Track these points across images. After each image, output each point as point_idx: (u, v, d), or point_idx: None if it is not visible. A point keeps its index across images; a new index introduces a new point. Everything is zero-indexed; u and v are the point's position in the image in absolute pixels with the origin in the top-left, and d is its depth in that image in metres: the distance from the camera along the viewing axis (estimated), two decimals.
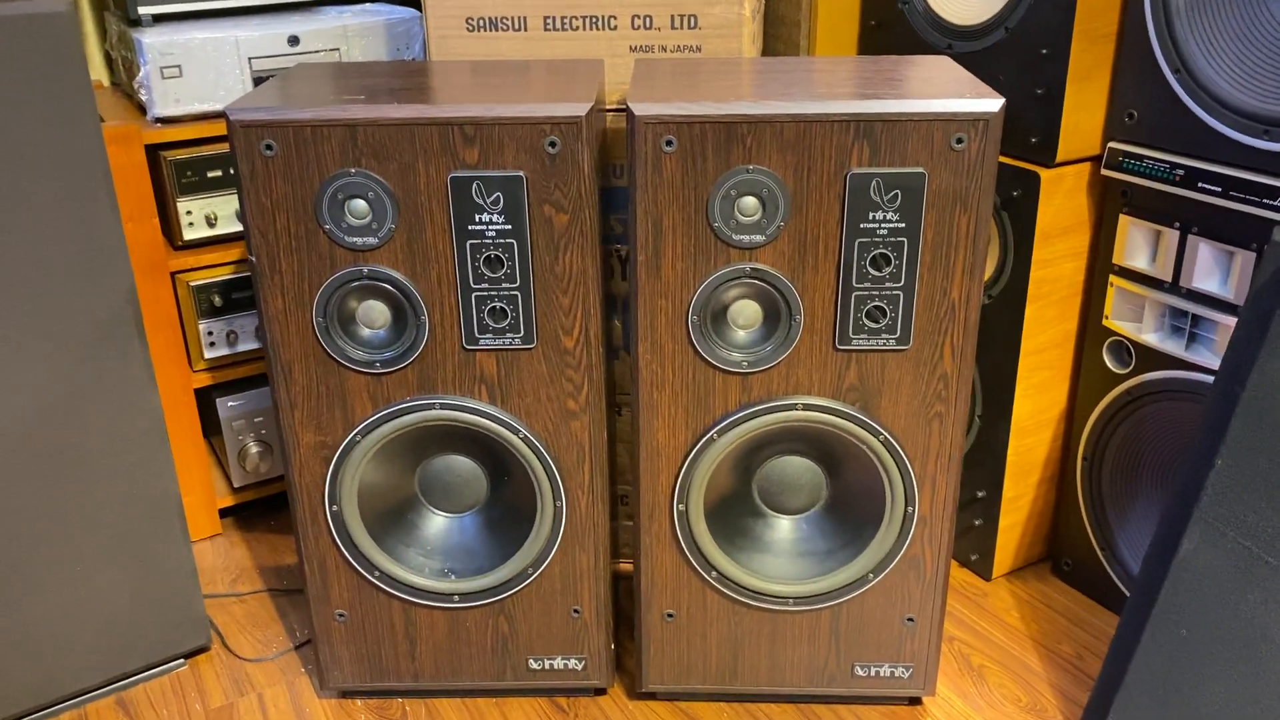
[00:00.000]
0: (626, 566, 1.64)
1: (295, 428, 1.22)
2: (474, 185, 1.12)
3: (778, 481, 1.29)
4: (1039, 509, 1.63)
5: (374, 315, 1.17)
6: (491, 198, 1.12)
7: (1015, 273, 1.44)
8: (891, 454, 1.21)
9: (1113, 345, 1.47)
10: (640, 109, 1.09)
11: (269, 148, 1.10)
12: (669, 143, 1.09)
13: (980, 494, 1.59)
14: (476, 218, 1.13)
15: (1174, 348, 1.38)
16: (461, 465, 1.29)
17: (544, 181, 1.12)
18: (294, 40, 1.57)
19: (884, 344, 1.17)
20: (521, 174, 1.11)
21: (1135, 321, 1.44)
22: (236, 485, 1.76)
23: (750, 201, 1.11)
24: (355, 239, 1.13)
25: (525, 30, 1.39)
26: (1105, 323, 1.46)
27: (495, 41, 1.39)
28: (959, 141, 1.08)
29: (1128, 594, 1.53)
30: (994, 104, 1.08)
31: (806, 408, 1.20)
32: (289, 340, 1.17)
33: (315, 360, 1.18)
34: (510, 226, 1.13)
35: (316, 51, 1.59)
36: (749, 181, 1.11)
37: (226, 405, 1.70)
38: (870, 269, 1.14)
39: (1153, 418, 1.44)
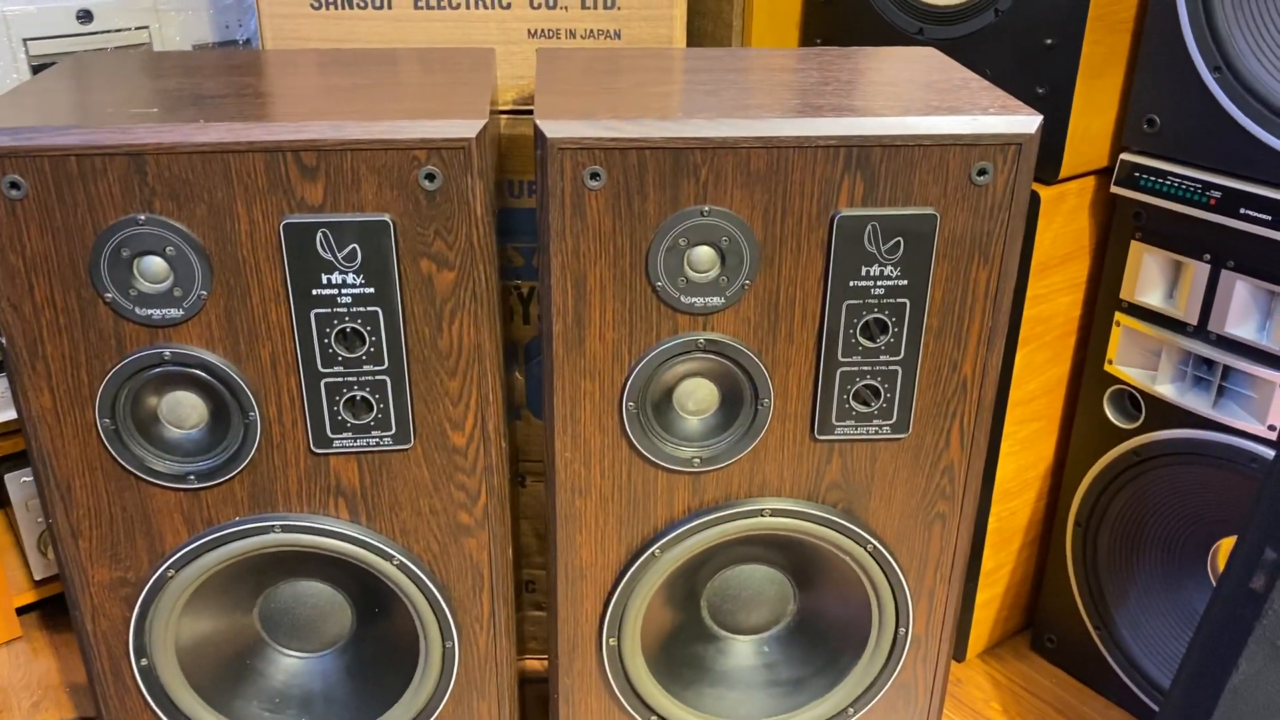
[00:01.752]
0: (535, 664, 1.34)
1: (81, 562, 0.88)
2: (318, 235, 0.79)
3: (734, 596, 1.00)
4: (1019, 578, 1.39)
5: (183, 413, 0.84)
6: (344, 251, 0.80)
7: None
8: (881, 565, 0.94)
9: (1116, 395, 1.23)
10: (553, 129, 0.78)
11: (14, 186, 0.76)
12: (594, 176, 0.79)
13: None
14: (324, 278, 0.81)
15: (1196, 403, 1.14)
16: (317, 594, 0.97)
17: (419, 228, 0.81)
18: (85, 16, 1.20)
19: (876, 432, 0.89)
20: (387, 218, 0.80)
21: (1146, 369, 1.19)
22: (38, 578, 1.40)
23: (705, 253, 0.82)
24: (151, 311, 0.80)
25: (390, 8, 1.06)
26: (1108, 368, 1.21)
27: (351, 23, 1.06)
28: (982, 174, 0.81)
29: (1127, 681, 1.30)
30: (1029, 122, 0.81)
31: (776, 513, 0.92)
32: (65, 450, 0.84)
33: (105, 474, 0.85)
34: (373, 290, 0.81)
35: (117, 31, 1.22)
36: (704, 228, 0.81)
37: (19, 481, 1.34)
38: (861, 338, 0.86)
39: (1164, 483, 1.20)
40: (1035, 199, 1.13)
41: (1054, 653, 1.39)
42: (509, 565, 0.94)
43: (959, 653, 1.39)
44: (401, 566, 0.91)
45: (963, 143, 0.80)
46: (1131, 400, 1.22)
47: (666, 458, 0.89)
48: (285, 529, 0.89)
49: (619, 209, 0.80)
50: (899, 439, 0.90)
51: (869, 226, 0.82)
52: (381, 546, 0.91)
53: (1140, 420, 1.21)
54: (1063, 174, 1.12)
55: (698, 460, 0.89)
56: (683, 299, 0.83)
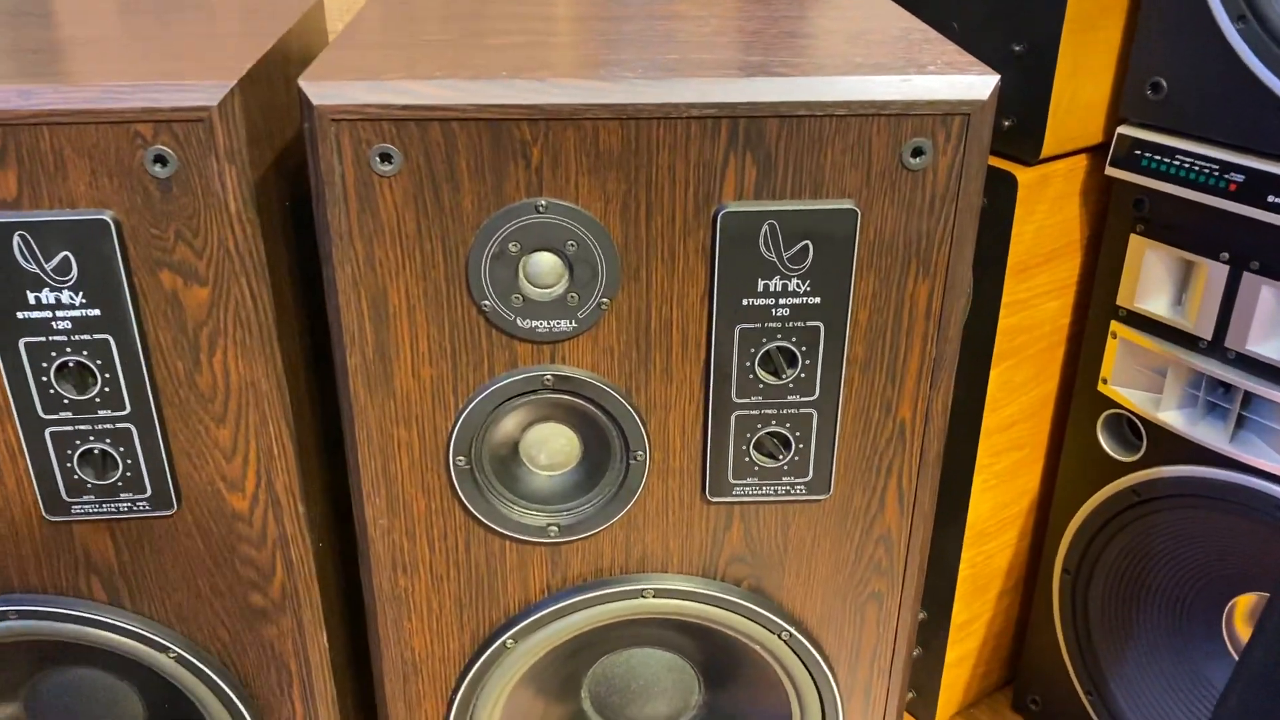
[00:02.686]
0: None
1: None
2: (15, 239, 0.59)
3: (623, 687, 0.80)
4: (998, 628, 1.18)
5: None
6: (54, 261, 0.59)
7: (976, 320, 0.96)
8: (801, 656, 0.74)
9: (1112, 421, 1.01)
10: (321, 93, 0.56)
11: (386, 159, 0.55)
12: (385, 158, 0.58)
13: (921, 615, 1.13)
14: (30, 296, 0.60)
15: (1209, 435, 0.92)
16: (94, 682, 0.77)
17: (153, 229, 0.60)
18: None
19: (787, 492, 0.68)
20: (106, 216, 0.59)
21: (1149, 391, 0.98)
22: None
23: (546, 262, 0.61)
24: None
25: None
26: (1102, 388, 1.00)
27: None
28: (917, 154, 0.59)
29: None
30: (981, 84, 0.59)
31: (662, 594, 0.71)
32: None
33: None
34: (98, 311, 0.61)
35: None
36: (541, 228, 0.60)
37: None
38: (762, 373, 0.65)
39: (1170, 528, 0.99)
40: (1012, 184, 0.91)
41: (1038, 716, 1.18)
42: (324, 656, 0.74)
43: (927, 716, 1.19)
44: (181, 660, 0.71)
45: (890, 112, 0.58)
46: (1131, 428, 1.00)
47: (514, 526, 0.68)
48: (22, 615, 0.69)
49: (424, 203, 0.59)
50: (818, 500, 0.69)
51: (765, 226, 0.60)
52: (151, 635, 0.70)
53: (1141, 452, 0.99)
54: (1046, 152, 0.91)
55: (555, 529, 0.68)
56: (520, 322, 0.62)
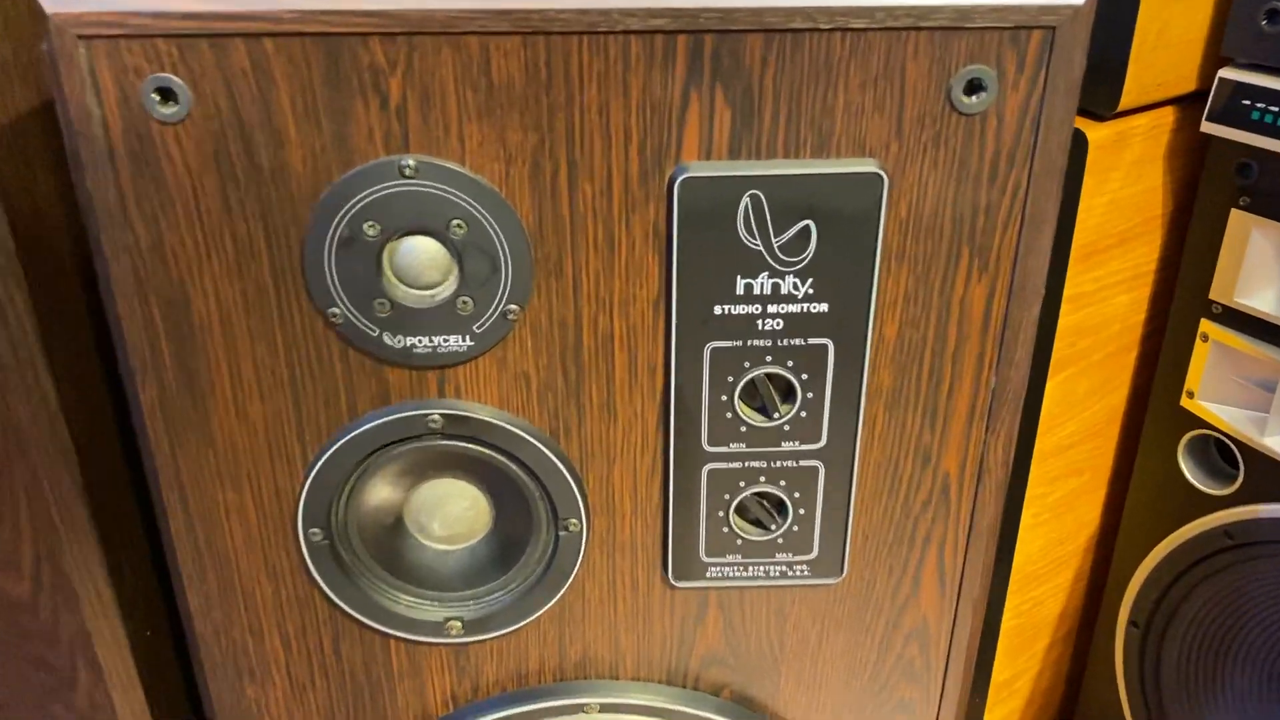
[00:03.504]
0: None
1: None
2: None
3: None
4: (1046, 684, 0.98)
5: None
6: None
7: None
8: None
9: (1198, 444, 0.81)
10: (60, 2, 0.37)
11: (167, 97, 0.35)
12: (167, 96, 0.38)
13: None
14: None
15: None
16: None
17: None
18: None
19: (784, 573, 0.49)
20: None
21: (1248, 408, 0.77)
22: None
23: (423, 253, 0.41)
24: None
25: None
26: (1187, 403, 0.79)
27: None
28: (974, 90, 0.39)
29: None
30: None
31: (610, 709, 0.51)
32: None
33: None
34: None
35: None
36: (411, 199, 0.40)
37: None
38: (745, 410, 0.45)
39: (1272, 578, 0.79)
40: (1081, 144, 0.70)
41: None
42: None
43: None
44: None
45: (934, 23, 0.38)
46: (1223, 454, 0.80)
47: (400, 621, 0.49)
48: None
49: (229, 162, 0.39)
50: (827, 584, 0.49)
51: (746, 199, 0.40)
52: None
53: (1237, 484, 0.79)
54: (1125, 103, 0.70)
55: (457, 624, 0.49)
56: (389, 339, 0.42)
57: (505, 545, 0.48)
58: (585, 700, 0.51)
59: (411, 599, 0.49)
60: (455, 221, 0.40)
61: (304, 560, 0.47)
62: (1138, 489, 0.87)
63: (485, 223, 0.40)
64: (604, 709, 0.51)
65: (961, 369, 0.44)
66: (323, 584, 0.48)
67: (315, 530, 0.46)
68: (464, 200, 0.40)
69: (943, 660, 0.52)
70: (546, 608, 0.49)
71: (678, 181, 0.40)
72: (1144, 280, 0.82)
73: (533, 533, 0.47)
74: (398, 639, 0.50)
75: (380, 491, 0.47)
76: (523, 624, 0.49)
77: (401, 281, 0.42)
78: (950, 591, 0.50)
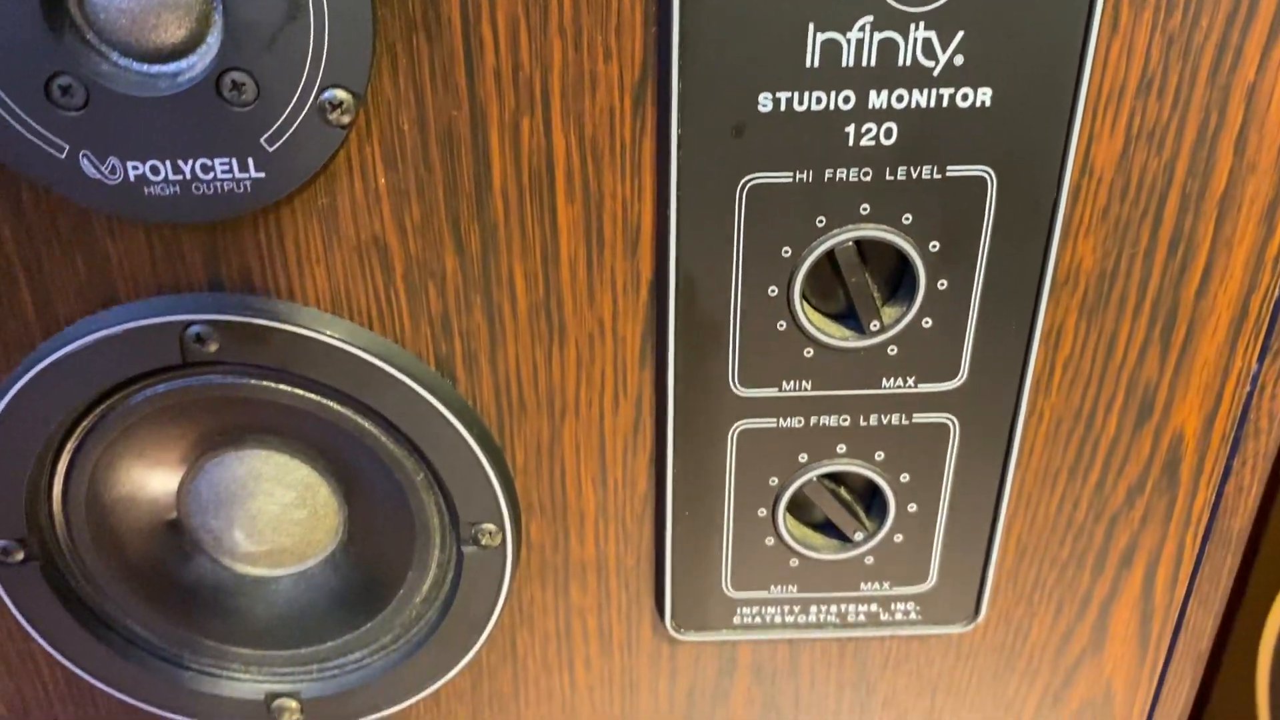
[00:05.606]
0: None
1: None
2: None
3: None
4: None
5: None
6: None
7: None
8: None
9: None
10: None
11: None
12: None
13: None
14: None
15: None
16: None
17: None
18: None
19: (874, 615, 0.27)
20: None
21: None
22: None
23: None
24: None
25: None
26: None
27: None
28: None
29: None
30: None
31: None
32: None
33: None
34: None
35: None
36: None
37: None
38: (810, 315, 0.23)
39: None
40: None
41: None
42: None
43: None
44: None
45: None
46: None
47: (194, 701, 0.27)
48: None
49: None
50: (947, 634, 0.28)
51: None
52: None
53: None
54: None
55: (291, 709, 0.27)
56: (92, 165, 0.21)
57: (367, 570, 0.27)
58: None
59: (209, 660, 0.27)
60: None
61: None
62: None
63: None
64: None
65: (1227, 234, 0.23)
66: (37, 636, 0.26)
67: (6, 543, 0.25)
68: None
69: None
70: (447, 678, 0.27)
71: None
72: None
73: (415, 549, 0.26)
74: None
75: (128, 473, 0.25)
76: (407, 705, 0.28)
77: (105, 40, 0.20)
78: (1158, 641, 0.29)
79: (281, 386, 0.24)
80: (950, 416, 0.25)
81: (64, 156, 0.21)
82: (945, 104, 0.21)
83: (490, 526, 0.26)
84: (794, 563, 0.27)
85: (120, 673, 0.27)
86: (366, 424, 0.24)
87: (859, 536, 0.26)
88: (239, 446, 0.25)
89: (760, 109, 0.21)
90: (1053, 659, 0.29)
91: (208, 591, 0.27)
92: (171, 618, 0.27)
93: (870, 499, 0.26)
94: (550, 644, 0.28)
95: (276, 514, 0.26)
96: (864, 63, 0.20)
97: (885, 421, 0.25)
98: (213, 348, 0.23)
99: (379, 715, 0.28)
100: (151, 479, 0.26)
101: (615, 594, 0.27)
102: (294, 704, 0.28)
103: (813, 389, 0.24)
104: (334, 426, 0.24)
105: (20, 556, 0.25)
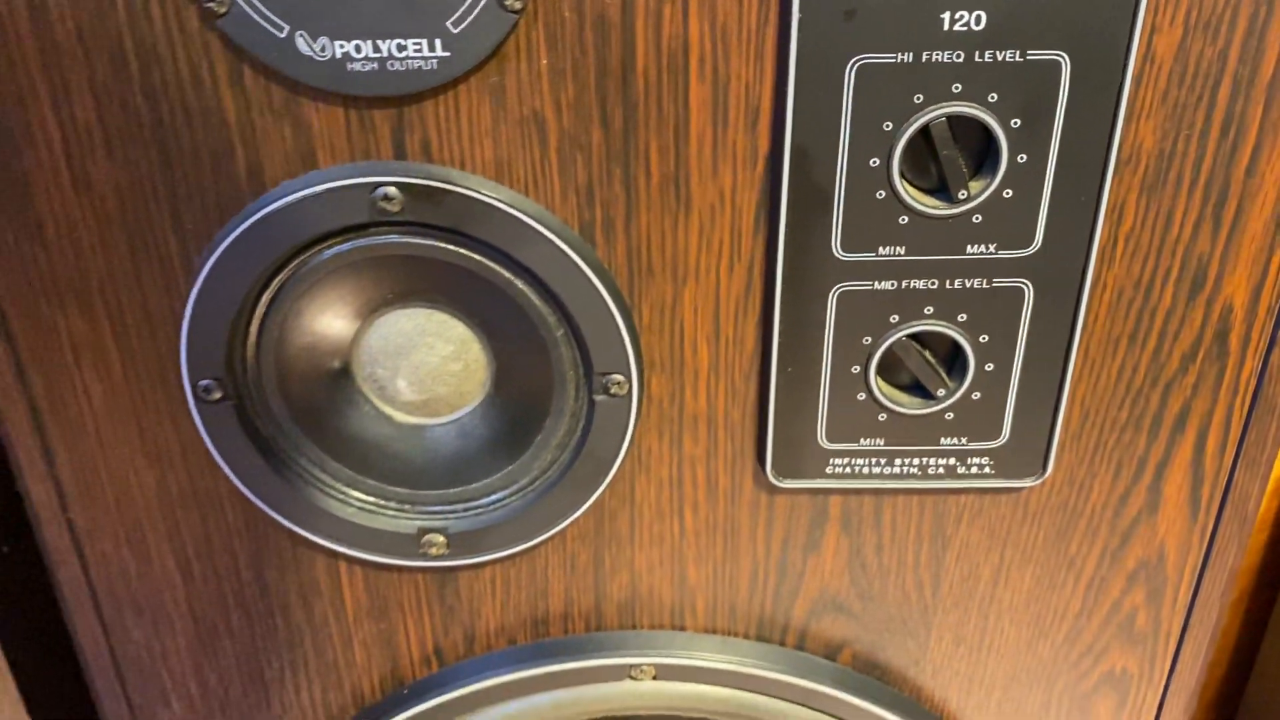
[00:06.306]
0: None
1: None
2: None
3: None
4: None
5: None
6: None
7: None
8: None
9: None
10: None
11: None
12: None
13: None
14: None
15: None
16: None
17: None
18: None
19: (951, 468, 0.30)
20: None
21: None
22: None
23: None
24: None
25: None
26: None
27: None
28: None
29: None
30: None
31: (668, 673, 0.34)
32: None
33: None
34: None
35: None
36: None
37: None
38: (907, 189, 0.26)
39: None
40: None
41: None
42: None
43: None
44: None
45: None
46: None
47: (353, 533, 0.32)
48: None
49: None
50: (1016, 489, 0.31)
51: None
52: None
53: None
54: None
55: (439, 542, 0.32)
56: (305, 44, 0.25)
57: (510, 418, 0.31)
58: (634, 660, 0.34)
59: (368, 498, 0.32)
60: None
61: (197, 431, 0.30)
62: None
63: None
64: (661, 674, 0.34)
65: (1274, 117, 0.26)
66: (228, 469, 0.31)
67: (208, 382, 0.29)
68: None
69: (1181, 614, 0.34)
70: (574, 518, 0.32)
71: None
72: None
73: (553, 398, 0.30)
74: (349, 560, 0.32)
75: (311, 324, 0.29)
76: (538, 542, 0.32)
77: None
78: (1209, 505, 0.32)
79: (450, 247, 0.28)
80: (1025, 281, 0.28)
81: (283, 36, 0.25)
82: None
83: (619, 377, 0.29)
84: (882, 417, 0.30)
85: (294, 507, 0.32)
86: (519, 282, 0.28)
87: (941, 393, 0.30)
88: (407, 304, 0.30)
89: None
90: (1111, 520, 0.32)
91: (371, 436, 0.31)
92: (339, 458, 0.31)
93: (951, 362, 0.30)
94: (664, 490, 0.32)
95: (436, 365, 0.30)
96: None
97: (968, 285, 0.28)
98: (396, 208, 0.27)
99: (514, 550, 0.32)
100: (331, 330, 0.30)
101: (722, 445, 0.31)
102: (441, 539, 0.32)
103: (905, 254, 0.28)
104: (490, 285, 0.28)
105: (218, 395, 0.30)
